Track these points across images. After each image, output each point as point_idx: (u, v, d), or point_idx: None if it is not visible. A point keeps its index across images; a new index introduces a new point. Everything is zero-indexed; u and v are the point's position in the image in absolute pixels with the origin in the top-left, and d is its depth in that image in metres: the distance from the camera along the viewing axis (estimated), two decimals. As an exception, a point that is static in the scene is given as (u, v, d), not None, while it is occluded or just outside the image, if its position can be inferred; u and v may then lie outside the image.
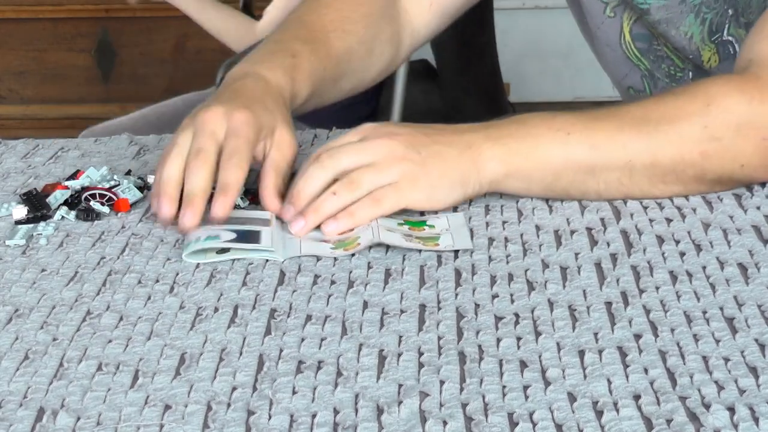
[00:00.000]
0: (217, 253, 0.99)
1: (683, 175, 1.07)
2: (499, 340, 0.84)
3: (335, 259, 0.99)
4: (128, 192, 1.13)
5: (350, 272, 0.96)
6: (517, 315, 0.88)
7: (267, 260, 0.98)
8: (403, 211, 1.05)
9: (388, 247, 1.01)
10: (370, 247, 1.00)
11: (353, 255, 0.99)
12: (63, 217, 1.09)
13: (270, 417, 0.75)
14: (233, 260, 0.98)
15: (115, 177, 1.18)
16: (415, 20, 1.36)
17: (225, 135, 1.06)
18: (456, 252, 0.99)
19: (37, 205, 1.10)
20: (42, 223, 1.08)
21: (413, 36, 1.37)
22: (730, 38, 1.27)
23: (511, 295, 0.91)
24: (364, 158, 1.05)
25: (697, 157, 1.06)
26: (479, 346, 0.83)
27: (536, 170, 1.07)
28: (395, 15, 1.34)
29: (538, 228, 1.04)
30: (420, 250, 0.99)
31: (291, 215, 1.04)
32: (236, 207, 1.07)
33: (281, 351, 0.83)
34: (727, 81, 1.10)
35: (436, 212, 1.06)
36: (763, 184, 1.11)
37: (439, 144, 1.06)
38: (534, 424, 0.73)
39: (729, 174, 1.08)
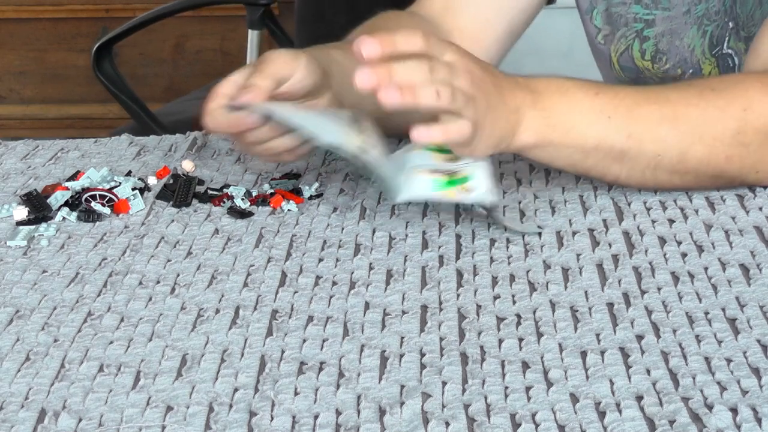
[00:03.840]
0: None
1: (703, 175, 1.07)
2: (501, 341, 0.84)
3: (336, 260, 0.98)
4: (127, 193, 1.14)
5: (351, 273, 0.96)
6: (518, 316, 0.88)
7: (268, 261, 0.98)
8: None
9: (390, 244, 1.00)
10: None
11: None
12: (64, 218, 1.09)
13: (272, 418, 0.75)
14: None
15: (116, 178, 1.18)
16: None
17: None
18: (458, 252, 0.99)
19: (38, 206, 1.10)
20: (43, 225, 1.07)
21: None
22: (729, 51, 1.27)
23: (513, 296, 0.91)
24: (457, 83, 0.98)
25: (722, 161, 1.06)
26: (481, 347, 0.83)
27: (568, 147, 1.05)
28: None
29: (539, 229, 1.04)
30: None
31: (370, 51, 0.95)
32: (249, 212, 1.08)
33: (283, 352, 0.83)
34: (763, 85, 1.08)
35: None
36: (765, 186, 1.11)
37: (497, 97, 1.02)
38: (536, 425, 0.73)
39: (743, 178, 1.09)
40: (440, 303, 0.90)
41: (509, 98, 1.02)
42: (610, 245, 1.00)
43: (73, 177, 1.18)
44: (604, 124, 1.05)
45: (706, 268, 0.95)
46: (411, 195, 1.00)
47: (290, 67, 1.08)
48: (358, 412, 0.75)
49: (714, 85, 1.10)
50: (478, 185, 1.00)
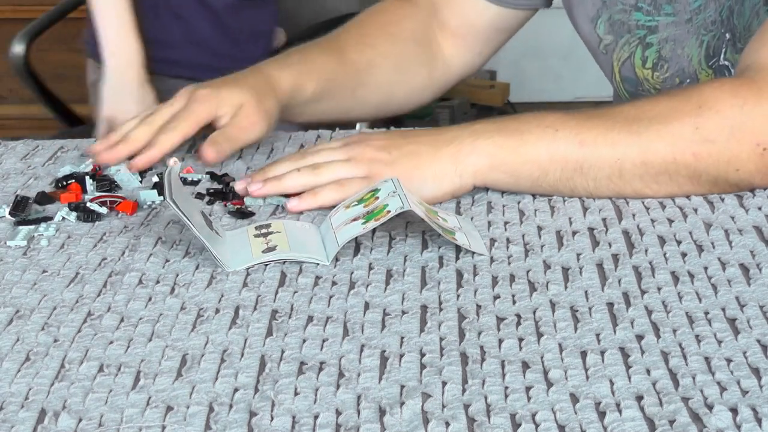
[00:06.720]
0: (262, 252, 0.99)
1: (676, 175, 1.07)
2: (501, 341, 0.84)
3: (336, 260, 0.98)
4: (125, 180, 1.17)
5: (351, 273, 0.96)
6: (518, 316, 0.88)
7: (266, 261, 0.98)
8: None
9: (390, 244, 1.00)
10: (369, 234, 1.00)
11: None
12: (64, 218, 1.09)
13: (272, 418, 0.75)
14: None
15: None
16: (445, 50, 1.43)
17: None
18: (458, 252, 0.99)
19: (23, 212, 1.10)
20: (43, 224, 1.07)
21: (446, 65, 1.43)
22: (726, 63, 1.27)
23: (513, 296, 0.91)
24: (336, 158, 1.10)
25: (690, 158, 1.06)
26: (481, 347, 0.83)
27: (523, 164, 1.08)
28: (427, 41, 1.41)
29: (539, 228, 1.04)
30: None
31: (245, 186, 1.11)
32: (250, 212, 1.09)
33: (283, 352, 0.83)
34: (721, 84, 1.09)
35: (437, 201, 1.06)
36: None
37: (415, 144, 1.10)
38: (536, 425, 0.73)
39: (724, 177, 1.08)
40: (440, 303, 0.90)
41: (438, 137, 1.10)
42: (610, 245, 1.00)
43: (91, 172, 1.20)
44: (552, 136, 1.07)
45: (705, 268, 0.95)
46: (346, 239, 0.99)
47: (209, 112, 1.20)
48: (358, 412, 0.75)
49: (669, 92, 1.15)
50: (393, 204, 0.99)
